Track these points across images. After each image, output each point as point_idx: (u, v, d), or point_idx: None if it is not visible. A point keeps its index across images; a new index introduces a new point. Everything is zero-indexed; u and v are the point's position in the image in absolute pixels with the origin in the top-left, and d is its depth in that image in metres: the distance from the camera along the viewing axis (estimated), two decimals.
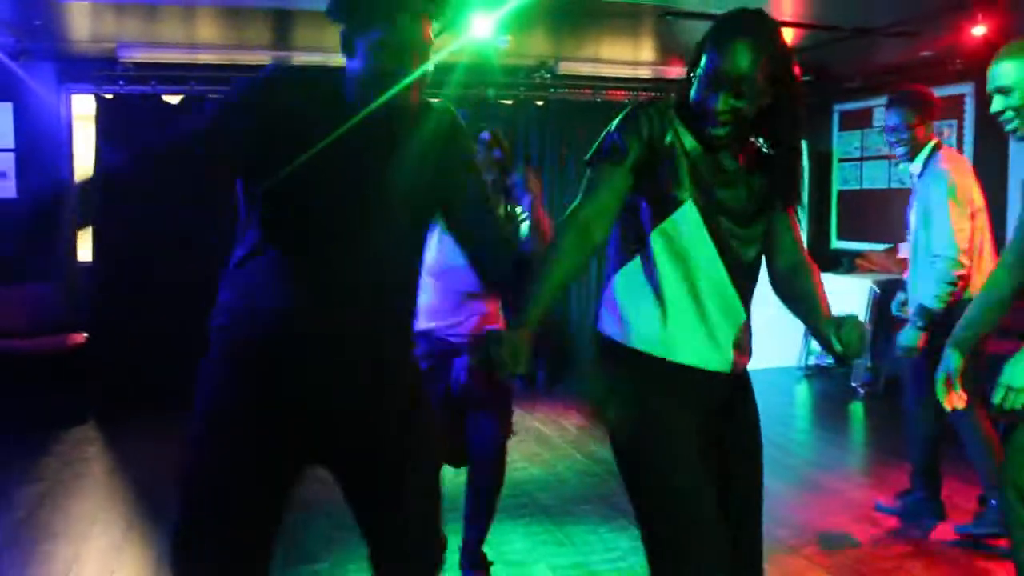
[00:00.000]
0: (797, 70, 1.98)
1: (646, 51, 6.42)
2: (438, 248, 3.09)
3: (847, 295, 6.77)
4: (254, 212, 1.91)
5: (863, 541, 3.77)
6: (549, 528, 3.96)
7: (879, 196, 7.35)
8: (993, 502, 3.59)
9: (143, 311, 5.90)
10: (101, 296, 6.08)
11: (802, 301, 2.12)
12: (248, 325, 1.88)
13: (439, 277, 3.16)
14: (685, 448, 1.97)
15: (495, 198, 2.08)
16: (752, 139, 2.02)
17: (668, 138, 1.95)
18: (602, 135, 2.01)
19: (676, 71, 6.74)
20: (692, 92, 1.94)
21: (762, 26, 1.92)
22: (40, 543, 3.77)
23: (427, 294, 3.12)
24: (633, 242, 2.01)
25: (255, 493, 1.89)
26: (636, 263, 2.01)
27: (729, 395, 2.10)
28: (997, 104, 2.58)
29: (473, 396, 3.19)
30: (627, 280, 2.02)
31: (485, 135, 3.29)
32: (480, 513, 3.34)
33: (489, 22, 4.51)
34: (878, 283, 6.54)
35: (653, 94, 7.07)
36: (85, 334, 5.95)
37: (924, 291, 3.65)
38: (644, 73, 6.87)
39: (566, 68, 6.59)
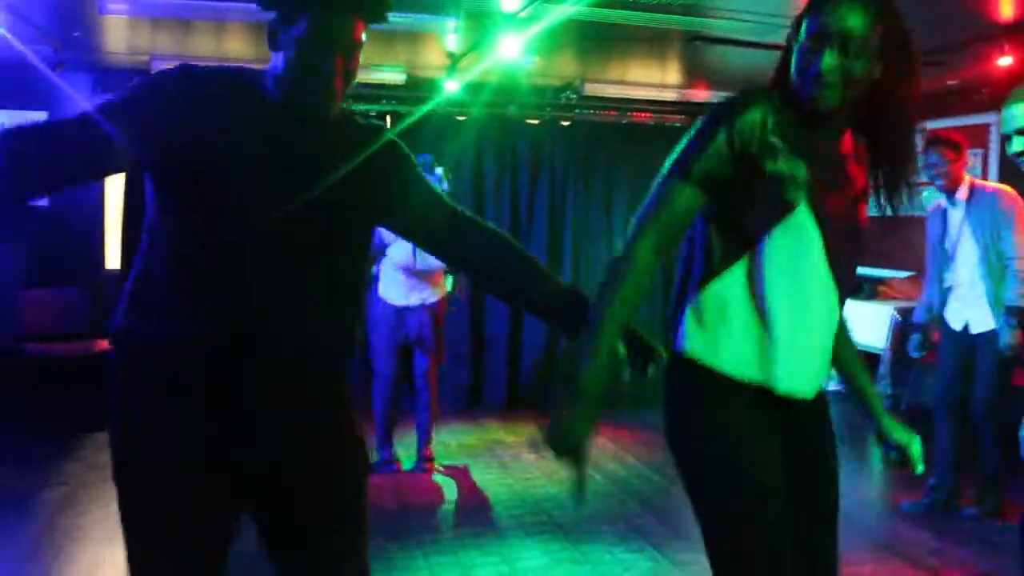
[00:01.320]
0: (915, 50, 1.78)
1: (672, 74, 6.45)
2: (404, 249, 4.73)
3: (868, 321, 6.76)
4: (161, 220, 1.75)
5: (884, 570, 3.76)
6: (566, 546, 3.97)
7: (902, 223, 7.32)
8: None
9: None
10: None
11: (852, 376, 2.07)
12: (153, 356, 1.74)
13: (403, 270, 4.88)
14: (766, 467, 1.79)
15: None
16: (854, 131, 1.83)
17: (769, 136, 1.71)
18: (683, 141, 1.78)
19: (703, 94, 6.77)
20: (792, 67, 1.75)
21: None
22: (64, 546, 3.82)
23: (389, 278, 4.95)
24: (733, 253, 1.77)
25: (192, 550, 1.77)
26: (734, 275, 1.77)
27: (811, 416, 1.90)
28: (1018, 145, 2.62)
29: (422, 342, 4.98)
30: (722, 295, 1.78)
31: (426, 156, 4.55)
32: (423, 422, 5.11)
33: (517, 43, 4.55)
34: (899, 310, 6.52)
35: (683, 116, 7.11)
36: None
37: (1009, 295, 4.16)
38: (670, 96, 6.90)
39: (592, 89, 6.64)
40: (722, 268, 1.78)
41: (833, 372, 1.96)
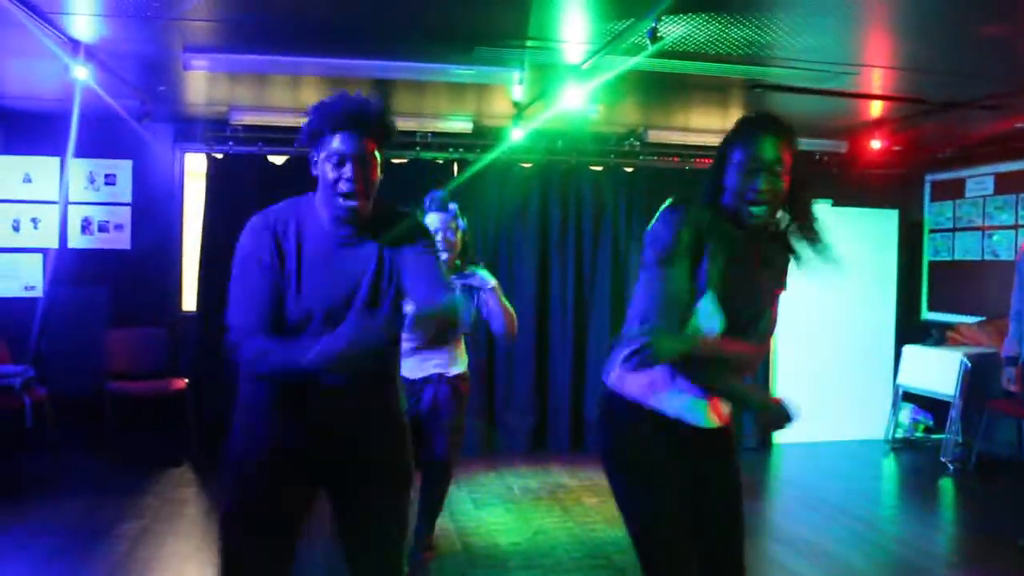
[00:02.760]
0: (806, 164, 2.39)
1: (734, 120, 6.49)
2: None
3: (937, 368, 6.65)
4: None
5: None
6: None
7: (972, 268, 7.23)
8: None
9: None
10: (202, 345, 6.37)
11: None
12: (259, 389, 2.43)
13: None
14: (665, 490, 2.39)
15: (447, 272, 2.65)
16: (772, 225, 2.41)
17: (707, 228, 2.30)
18: (651, 237, 2.32)
19: None
20: (731, 183, 2.31)
21: (779, 122, 2.33)
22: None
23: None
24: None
25: (273, 516, 2.42)
26: None
27: (717, 441, 2.46)
28: None
29: (437, 416, 4.08)
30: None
31: (438, 192, 4.19)
32: (426, 510, 4.20)
33: (581, 93, 4.67)
34: (969, 356, 6.41)
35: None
36: (186, 380, 6.24)
37: None
38: None
39: (655, 136, 6.72)
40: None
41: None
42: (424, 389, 4.08)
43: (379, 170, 2.33)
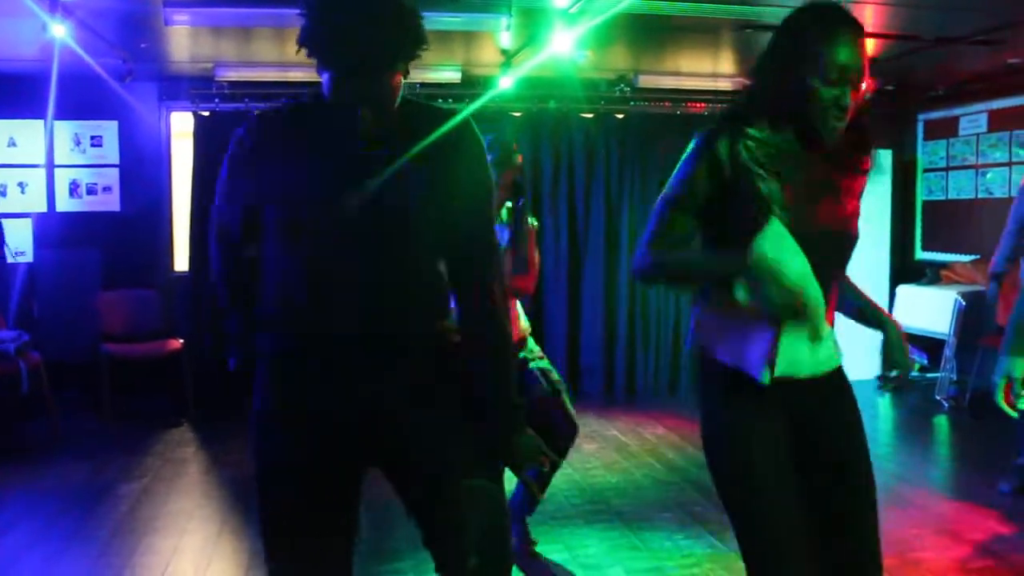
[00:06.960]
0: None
1: (725, 63, 6.44)
2: None
3: (931, 306, 6.67)
4: (265, 238, 1.95)
5: (945, 555, 3.74)
6: (625, 533, 4.02)
7: (965, 207, 7.21)
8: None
9: None
10: (195, 305, 6.36)
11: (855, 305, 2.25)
12: (272, 339, 1.92)
13: None
14: (765, 454, 1.96)
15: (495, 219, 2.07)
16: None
17: (744, 156, 1.88)
18: (676, 168, 1.97)
19: None
20: (803, 86, 1.86)
21: (853, 18, 1.89)
22: (143, 535, 4.00)
23: None
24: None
25: (319, 503, 1.92)
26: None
27: (823, 396, 2.05)
28: None
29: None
30: (719, 297, 1.97)
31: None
32: (521, 505, 3.72)
33: (569, 38, 4.61)
34: (963, 295, 6.42)
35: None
36: (181, 340, 6.23)
37: None
38: (724, 85, 6.88)
39: (646, 81, 6.65)
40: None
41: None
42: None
43: (398, 82, 1.84)
